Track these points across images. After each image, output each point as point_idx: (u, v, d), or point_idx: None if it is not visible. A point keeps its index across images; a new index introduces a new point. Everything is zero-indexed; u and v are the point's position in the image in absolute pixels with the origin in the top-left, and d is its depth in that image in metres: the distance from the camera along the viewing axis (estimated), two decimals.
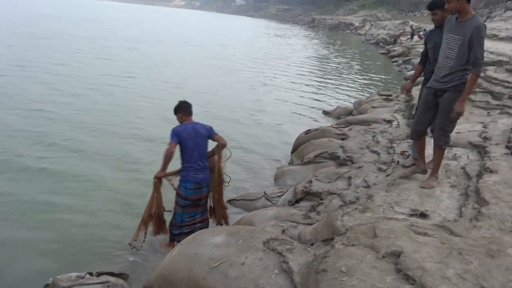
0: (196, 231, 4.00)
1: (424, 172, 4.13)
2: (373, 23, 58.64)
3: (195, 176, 4.10)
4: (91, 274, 3.40)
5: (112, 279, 3.43)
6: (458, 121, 5.80)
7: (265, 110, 11.45)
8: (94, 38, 25.73)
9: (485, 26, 3.53)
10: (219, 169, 4.34)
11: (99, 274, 3.44)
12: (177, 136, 4.04)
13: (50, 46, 20.00)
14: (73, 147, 7.16)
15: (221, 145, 4.26)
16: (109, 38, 26.68)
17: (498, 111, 6.94)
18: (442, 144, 3.90)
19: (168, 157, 4.03)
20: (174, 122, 4.34)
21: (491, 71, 9.49)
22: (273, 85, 15.50)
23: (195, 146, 4.08)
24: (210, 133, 4.20)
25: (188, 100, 4.32)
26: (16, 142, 7.12)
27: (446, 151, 4.43)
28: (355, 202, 3.86)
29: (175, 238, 4.29)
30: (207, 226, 4.37)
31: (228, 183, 4.49)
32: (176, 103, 4.31)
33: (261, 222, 4.06)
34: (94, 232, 4.66)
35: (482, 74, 9.32)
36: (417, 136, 4.14)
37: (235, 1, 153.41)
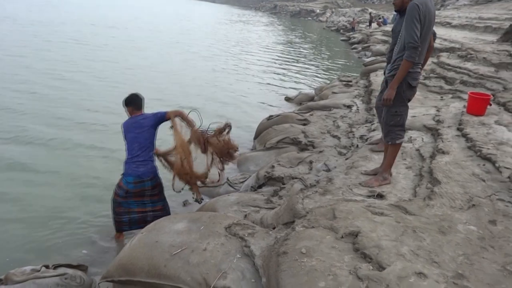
0: (149, 218, 3.94)
1: None
2: (333, 10, 59.41)
3: (136, 169, 3.87)
4: (47, 266, 3.26)
5: (70, 271, 3.30)
6: (413, 105, 5.99)
7: (227, 96, 11.36)
8: (49, 22, 24.34)
9: (418, 6, 3.13)
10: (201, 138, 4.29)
11: (56, 267, 3.31)
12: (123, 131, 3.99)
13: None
14: (24, 136, 6.83)
15: (178, 115, 4.01)
16: (65, 22, 25.30)
17: (451, 96, 7.25)
18: (388, 140, 3.58)
19: None
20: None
21: (444, 57, 9.86)
22: (235, 71, 15.40)
23: (133, 139, 3.89)
24: (157, 117, 3.93)
25: (145, 87, 4.15)
26: None
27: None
28: (315, 185, 3.93)
29: (122, 227, 4.11)
30: (164, 215, 4.04)
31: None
32: (135, 90, 4.12)
33: (224, 208, 4.06)
34: (49, 225, 4.48)
35: (435, 60, 9.68)
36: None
37: None
